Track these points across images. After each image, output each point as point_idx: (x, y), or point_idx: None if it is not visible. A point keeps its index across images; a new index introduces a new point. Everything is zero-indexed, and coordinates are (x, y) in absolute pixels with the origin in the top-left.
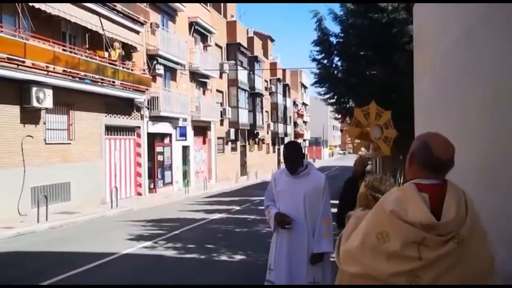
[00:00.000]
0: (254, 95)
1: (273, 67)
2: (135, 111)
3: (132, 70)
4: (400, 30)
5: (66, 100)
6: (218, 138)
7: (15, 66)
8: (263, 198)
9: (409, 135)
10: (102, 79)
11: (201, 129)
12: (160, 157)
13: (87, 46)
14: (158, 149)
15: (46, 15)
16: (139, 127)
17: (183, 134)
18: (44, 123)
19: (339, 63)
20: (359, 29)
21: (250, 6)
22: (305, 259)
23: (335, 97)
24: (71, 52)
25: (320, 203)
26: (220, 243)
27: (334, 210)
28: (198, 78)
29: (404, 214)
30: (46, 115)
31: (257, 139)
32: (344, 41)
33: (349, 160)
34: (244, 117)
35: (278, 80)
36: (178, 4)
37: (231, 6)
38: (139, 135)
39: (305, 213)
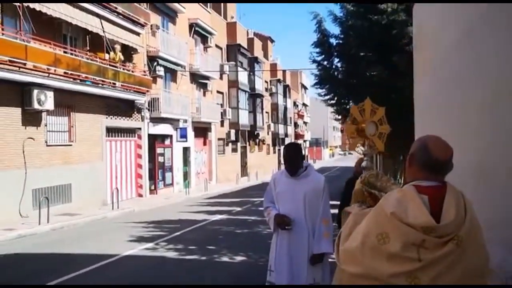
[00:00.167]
0: (254, 96)
1: (273, 68)
2: (135, 112)
3: (132, 71)
4: (399, 32)
5: (67, 102)
6: (219, 139)
7: (17, 68)
8: (263, 199)
9: (409, 136)
10: (102, 81)
11: (202, 130)
12: (160, 159)
13: (88, 48)
14: (159, 150)
15: (47, 17)
16: (139, 128)
17: (183, 136)
18: (45, 125)
19: (339, 65)
20: (359, 31)
21: (250, 7)
22: (305, 260)
23: (335, 98)
24: (72, 54)
25: (319, 204)
26: (221, 244)
27: (334, 211)
28: (199, 79)
29: (404, 216)
30: (47, 117)
31: (257, 140)
32: (344, 42)
33: (350, 161)
34: (244, 118)
35: (278, 81)
36: (178, 6)
37: (231, 7)
38: (139, 137)
39: (305, 214)
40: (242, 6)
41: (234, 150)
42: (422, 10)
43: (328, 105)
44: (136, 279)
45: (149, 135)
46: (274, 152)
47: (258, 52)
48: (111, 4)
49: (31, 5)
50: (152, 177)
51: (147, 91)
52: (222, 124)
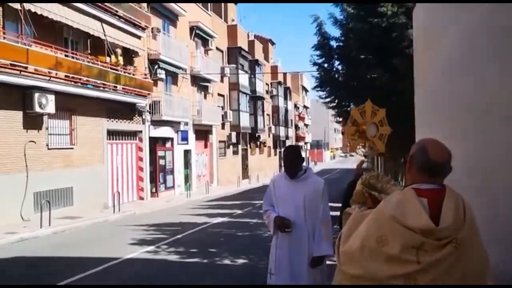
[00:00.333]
0: (255, 99)
1: (274, 70)
2: (136, 115)
3: (133, 74)
4: (400, 34)
5: (68, 105)
6: (220, 141)
7: (18, 72)
8: (262, 202)
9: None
10: (104, 84)
11: (203, 133)
12: (162, 161)
13: (89, 52)
14: (160, 153)
15: (48, 21)
16: (141, 131)
17: (184, 138)
18: (47, 128)
19: (339, 67)
20: (359, 33)
21: (251, 9)
22: (305, 262)
23: (336, 100)
24: (73, 57)
25: (319, 206)
26: (222, 247)
27: (335, 213)
28: (200, 82)
29: (403, 219)
30: (49, 120)
31: (258, 142)
32: (345, 45)
33: (351, 163)
34: (245, 121)
35: (279, 83)
36: (179, 9)
37: (231, 10)
38: (141, 140)
39: (304, 217)
40: (243, 9)
41: (235, 152)
42: (422, 13)
43: (328, 107)
44: (137, 282)
45: (150, 138)
46: (275, 155)
47: (258, 54)
48: (112, 7)
49: (33, 9)
50: (153, 180)
51: (148, 94)
52: (223, 127)
